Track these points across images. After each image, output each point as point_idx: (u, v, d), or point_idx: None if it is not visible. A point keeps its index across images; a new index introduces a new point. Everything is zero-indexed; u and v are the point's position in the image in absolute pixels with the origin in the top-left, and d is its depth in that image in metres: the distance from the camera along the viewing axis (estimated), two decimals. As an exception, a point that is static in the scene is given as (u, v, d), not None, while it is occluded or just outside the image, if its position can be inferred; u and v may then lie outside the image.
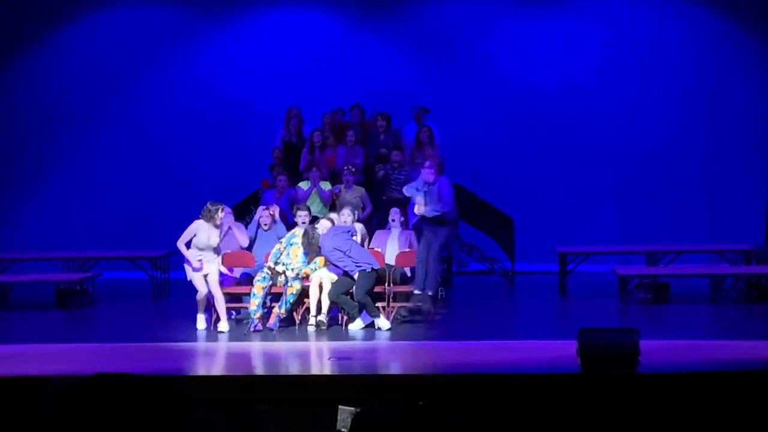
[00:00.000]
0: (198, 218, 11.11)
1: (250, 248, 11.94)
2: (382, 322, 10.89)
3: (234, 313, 11.80)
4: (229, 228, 11.98)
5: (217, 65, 17.27)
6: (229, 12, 17.33)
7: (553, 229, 16.03)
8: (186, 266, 11.14)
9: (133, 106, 17.20)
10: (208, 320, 11.16)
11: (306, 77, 16.92)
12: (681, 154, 16.70)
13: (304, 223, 11.44)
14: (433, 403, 7.22)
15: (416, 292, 11.12)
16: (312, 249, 11.12)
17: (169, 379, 8.04)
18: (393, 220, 12.20)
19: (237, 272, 11.83)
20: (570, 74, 16.87)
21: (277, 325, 10.90)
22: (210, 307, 11.21)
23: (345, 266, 11.00)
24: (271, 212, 12.07)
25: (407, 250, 11.89)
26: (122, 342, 10.35)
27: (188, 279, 11.21)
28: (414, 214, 13.07)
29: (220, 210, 11.08)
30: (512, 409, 7.40)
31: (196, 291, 11.80)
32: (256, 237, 11.96)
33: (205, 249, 11.06)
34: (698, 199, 16.72)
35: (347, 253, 11.02)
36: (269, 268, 11.10)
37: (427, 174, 11.14)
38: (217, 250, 11.18)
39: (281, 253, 11.16)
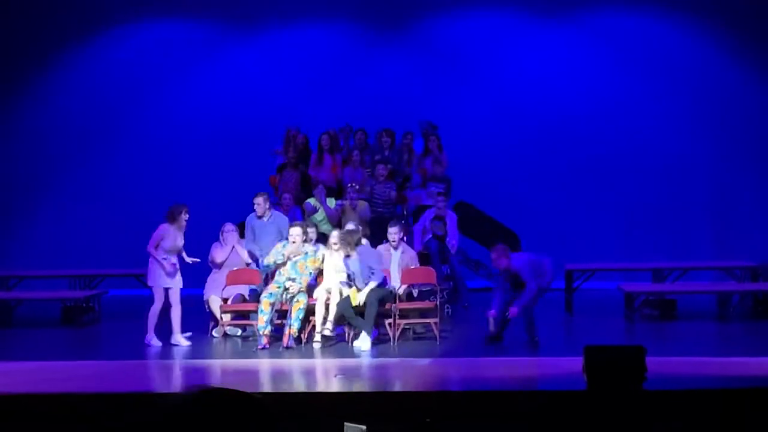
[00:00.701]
0: (164, 222, 11.30)
1: (255, 259, 11.97)
2: (364, 342, 10.86)
3: (241, 330, 11.81)
4: (233, 247, 12.06)
5: (224, 84, 17.31)
6: (238, 30, 17.41)
7: (559, 246, 16.01)
8: (154, 271, 11.22)
9: (139, 125, 17.26)
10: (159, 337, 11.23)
11: (316, 93, 16.95)
12: (687, 171, 16.70)
13: (294, 242, 11.28)
14: (440, 421, 7.22)
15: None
16: (347, 244, 11.08)
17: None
18: (393, 241, 12.15)
19: (244, 289, 11.85)
20: (576, 90, 16.90)
21: (293, 342, 10.91)
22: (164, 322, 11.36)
23: (373, 278, 11.02)
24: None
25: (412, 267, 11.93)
26: (129, 359, 10.34)
27: (149, 285, 11.33)
28: (420, 233, 13.07)
29: (184, 212, 11.22)
30: (519, 426, 7.38)
31: (204, 308, 11.86)
32: (255, 235, 11.92)
33: (171, 252, 11.21)
34: (705, 215, 16.71)
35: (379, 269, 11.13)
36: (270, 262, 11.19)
37: (499, 262, 10.84)
38: (179, 253, 11.36)
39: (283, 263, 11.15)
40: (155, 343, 11.14)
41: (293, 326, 10.92)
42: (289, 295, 11.02)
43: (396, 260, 12.01)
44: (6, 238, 17.01)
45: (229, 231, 12.16)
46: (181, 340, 11.17)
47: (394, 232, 12.09)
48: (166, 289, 11.19)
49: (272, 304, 11.00)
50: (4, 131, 17.42)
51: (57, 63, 17.41)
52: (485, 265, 14.90)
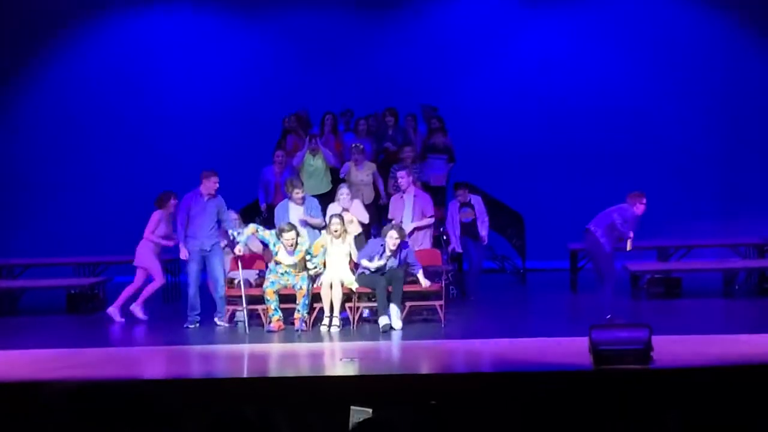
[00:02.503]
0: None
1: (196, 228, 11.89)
2: (395, 320, 10.92)
3: (247, 315, 11.78)
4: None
5: (224, 71, 17.29)
6: (237, 16, 17.37)
7: (564, 226, 15.98)
8: (148, 253, 12.04)
9: (142, 112, 17.23)
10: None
11: (316, 78, 16.91)
12: (692, 149, 16.66)
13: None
14: (446, 402, 7.20)
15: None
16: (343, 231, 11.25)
17: (176, 383, 8.04)
18: (402, 186, 12.07)
19: (249, 274, 11.83)
20: (581, 71, 16.85)
21: (303, 326, 10.92)
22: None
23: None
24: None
25: (421, 222, 11.93)
26: (135, 346, 10.34)
27: (140, 264, 12.14)
28: (453, 231, 12.98)
29: (173, 197, 12.02)
30: (524, 406, 7.37)
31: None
32: (188, 216, 11.68)
33: (166, 238, 12.02)
34: (710, 193, 16.67)
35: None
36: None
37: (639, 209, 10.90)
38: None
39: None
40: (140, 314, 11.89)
41: (300, 312, 10.95)
42: (313, 274, 11.22)
43: (409, 205, 11.99)
44: (10, 227, 17.00)
45: (232, 219, 12.16)
46: (138, 311, 11.96)
47: (402, 176, 12.07)
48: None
49: (276, 292, 11.06)
50: (6, 121, 17.40)
51: (58, 52, 17.39)
52: (490, 246, 14.87)
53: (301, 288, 11.03)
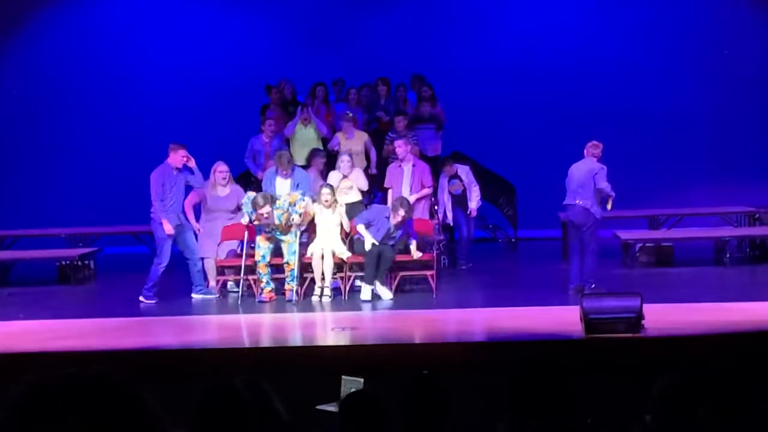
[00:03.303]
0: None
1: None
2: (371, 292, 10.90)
3: (237, 285, 11.75)
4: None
5: (213, 39, 17.20)
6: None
7: (555, 195, 15.94)
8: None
9: (129, 82, 17.14)
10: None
11: (303, 49, 16.83)
12: (684, 117, 16.63)
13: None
14: (438, 372, 7.21)
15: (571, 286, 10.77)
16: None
17: (166, 353, 8.03)
18: (400, 155, 11.96)
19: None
20: (572, 40, 16.78)
21: (294, 298, 10.90)
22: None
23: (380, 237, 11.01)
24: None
25: (420, 192, 11.91)
26: (126, 317, 10.32)
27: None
28: (444, 204, 12.88)
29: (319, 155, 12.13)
30: (516, 375, 7.37)
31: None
32: (163, 188, 11.30)
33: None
34: (701, 161, 16.66)
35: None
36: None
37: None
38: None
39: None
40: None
41: (290, 284, 10.93)
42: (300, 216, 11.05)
43: (408, 174, 11.93)
44: (1, 198, 16.94)
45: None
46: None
47: (399, 145, 11.97)
48: None
49: (268, 265, 11.06)
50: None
51: (49, 16, 17.26)
52: (481, 215, 14.87)
53: (288, 263, 10.99)
